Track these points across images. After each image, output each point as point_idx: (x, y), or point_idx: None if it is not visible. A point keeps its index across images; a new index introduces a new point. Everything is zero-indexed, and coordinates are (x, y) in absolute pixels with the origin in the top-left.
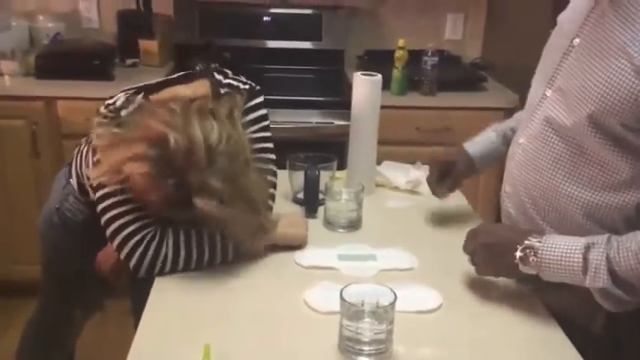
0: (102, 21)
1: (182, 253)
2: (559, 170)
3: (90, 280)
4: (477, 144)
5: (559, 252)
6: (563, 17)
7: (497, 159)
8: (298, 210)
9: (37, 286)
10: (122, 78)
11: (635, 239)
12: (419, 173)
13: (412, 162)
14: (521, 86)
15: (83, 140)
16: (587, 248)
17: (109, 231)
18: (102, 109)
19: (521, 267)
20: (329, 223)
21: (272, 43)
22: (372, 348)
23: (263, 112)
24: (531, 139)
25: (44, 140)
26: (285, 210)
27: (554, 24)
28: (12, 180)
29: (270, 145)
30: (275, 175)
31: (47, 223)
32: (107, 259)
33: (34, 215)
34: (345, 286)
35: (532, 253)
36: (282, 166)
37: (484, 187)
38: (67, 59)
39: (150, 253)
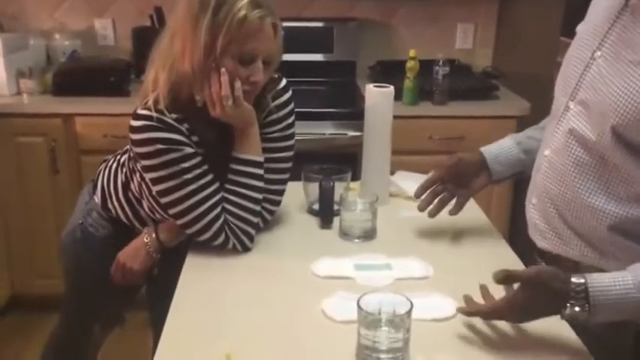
0: (117, 38)
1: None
2: (584, 182)
3: (110, 294)
4: (492, 147)
5: (612, 297)
6: (582, 28)
7: (514, 166)
8: (313, 221)
9: (56, 299)
10: (138, 94)
11: None
12: None
13: (425, 172)
14: (532, 94)
15: (111, 156)
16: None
17: (169, 203)
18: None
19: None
20: (344, 234)
21: (284, 56)
22: (389, 356)
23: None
24: (556, 151)
25: (63, 156)
26: (301, 221)
27: (564, 32)
28: (31, 196)
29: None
30: (284, 183)
31: (70, 238)
32: (135, 256)
33: (53, 230)
34: (362, 295)
35: (582, 307)
36: (296, 178)
37: (497, 199)
38: (83, 76)
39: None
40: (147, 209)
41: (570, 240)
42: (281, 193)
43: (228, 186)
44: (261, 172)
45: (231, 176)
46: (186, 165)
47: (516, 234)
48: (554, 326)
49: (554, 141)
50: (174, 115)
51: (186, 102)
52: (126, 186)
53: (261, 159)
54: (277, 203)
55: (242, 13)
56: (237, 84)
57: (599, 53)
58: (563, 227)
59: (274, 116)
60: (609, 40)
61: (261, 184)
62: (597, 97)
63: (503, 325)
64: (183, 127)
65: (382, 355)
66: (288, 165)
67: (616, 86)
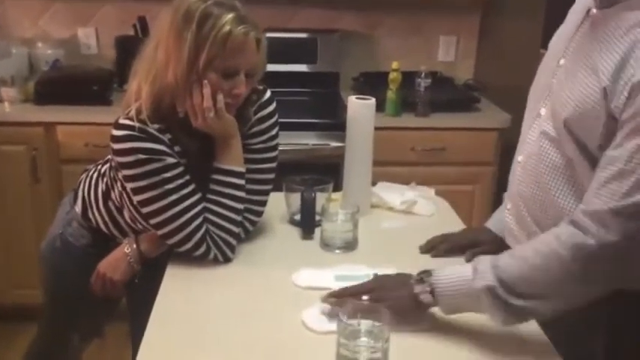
0: (100, 47)
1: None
2: (555, 183)
3: (90, 305)
4: (499, 221)
5: (449, 270)
6: (553, 41)
7: None
8: (295, 231)
9: (35, 310)
10: (120, 103)
11: (518, 250)
12: (413, 194)
13: (407, 183)
14: (513, 106)
15: (92, 166)
16: (476, 262)
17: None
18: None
19: (421, 296)
20: (325, 245)
21: (268, 66)
22: None
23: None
24: (529, 155)
25: (44, 165)
26: (282, 231)
27: (544, 45)
28: (11, 205)
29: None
30: (267, 194)
31: (49, 248)
32: (116, 267)
33: (33, 240)
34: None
35: (426, 283)
36: (278, 188)
37: (478, 211)
38: (66, 85)
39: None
40: (128, 219)
41: None
42: (263, 203)
43: (209, 196)
44: (242, 182)
45: (212, 186)
46: (167, 175)
47: None
48: (533, 341)
49: (527, 146)
50: (156, 126)
51: (169, 112)
52: (106, 195)
53: (242, 169)
54: (259, 214)
55: (227, 28)
56: (220, 96)
57: (562, 61)
58: (535, 230)
59: (258, 128)
60: (571, 47)
61: (242, 194)
62: (557, 98)
63: (481, 336)
64: (166, 138)
65: None
66: (271, 176)
67: (569, 88)
